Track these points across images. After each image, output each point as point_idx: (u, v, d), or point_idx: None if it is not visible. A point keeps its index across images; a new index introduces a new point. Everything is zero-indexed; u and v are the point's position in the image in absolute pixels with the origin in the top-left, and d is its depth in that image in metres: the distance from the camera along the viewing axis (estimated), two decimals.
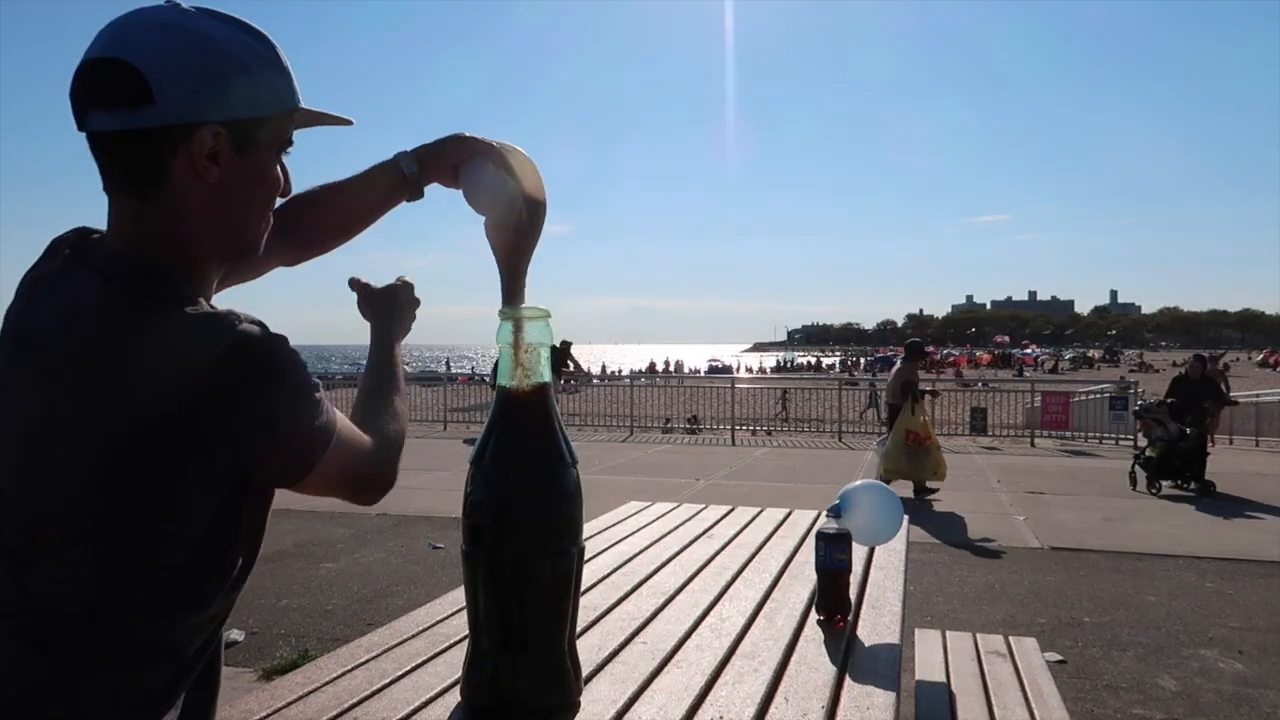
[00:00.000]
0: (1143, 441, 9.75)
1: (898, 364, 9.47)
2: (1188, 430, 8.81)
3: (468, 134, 1.20)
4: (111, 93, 0.86)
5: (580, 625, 1.35)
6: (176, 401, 0.82)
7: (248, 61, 0.91)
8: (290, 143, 0.99)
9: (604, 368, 41.50)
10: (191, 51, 0.87)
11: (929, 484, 8.44)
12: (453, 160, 1.18)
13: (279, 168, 0.99)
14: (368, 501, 1.03)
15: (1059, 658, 4.08)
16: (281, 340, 0.88)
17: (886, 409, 9.48)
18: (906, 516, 1.86)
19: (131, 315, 0.84)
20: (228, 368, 0.83)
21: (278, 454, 0.89)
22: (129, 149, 0.88)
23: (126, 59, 0.85)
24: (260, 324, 0.87)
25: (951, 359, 61.25)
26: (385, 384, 1.13)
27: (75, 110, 0.89)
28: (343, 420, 0.96)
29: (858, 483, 1.76)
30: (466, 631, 1.19)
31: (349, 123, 1.09)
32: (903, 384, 8.79)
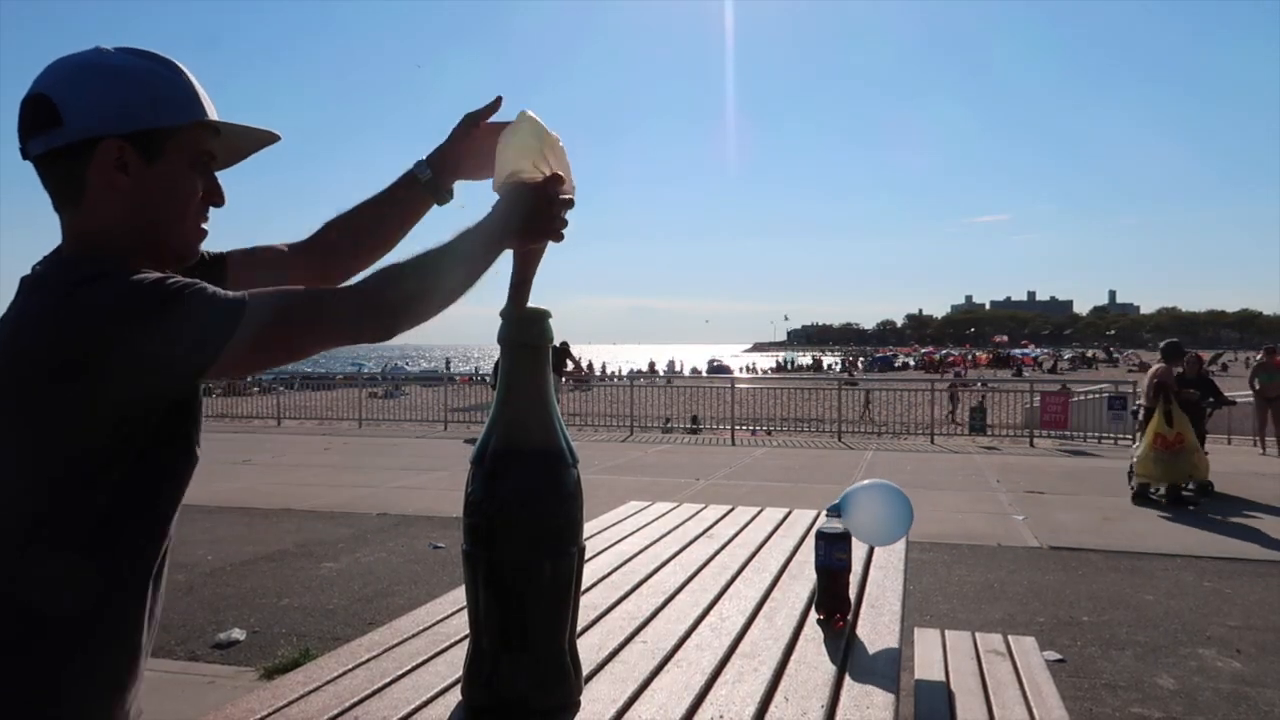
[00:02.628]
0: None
1: (1154, 365, 8.87)
2: None
3: (472, 111, 1.26)
4: (34, 122, 1.02)
5: (580, 625, 1.35)
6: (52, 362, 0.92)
7: (147, 81, 1.04)
8: (210, 155, 1.10)
9: (604, 367, 41.47)
10: (95, 79, 1.02)
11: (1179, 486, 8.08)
12: (461, 152, 1.25)
13: (202, 179, 1.09)
14: (368, 335, 1.03)
15: (1058, 657, 4.09)
16: (136, 280, 0.95)
17: (1143, 412, 8.82)
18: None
19: (43, 286, 0.98)
20: (101, 319, 0.92)
21: (168, 367, 0.95)
22: (53, 168, 1.03)
23: (43, 92, 1.02)
24: (122, 275, 0.95)
25: (951, 359, 61.22)
26: (444, 243, 1.09)
27: (20, 143, 1.04)
28: (271, 293, 1.00)
29: (864, 482, 1.75)
30: (467, 631, 1.19)
31: (276, 138, 1.16)
32: (1155, 386, 8.31)
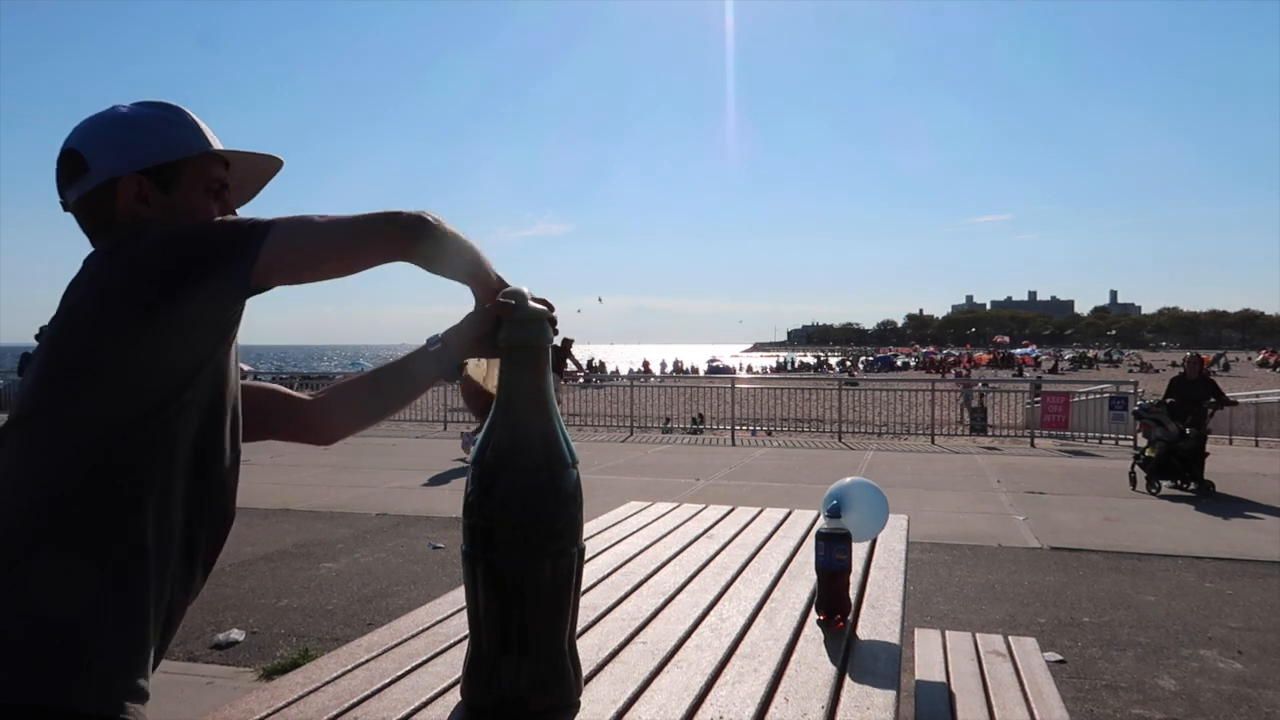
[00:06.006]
0: (1142, 442, 9.76)
1: None
2: (1187, 430, 8.82)
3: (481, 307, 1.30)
4: (68, 174, 1.18)
5: (580, 625, 1.35)
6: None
7: (156, 125, 1.19)
8: (222, 183, 1.23)
9: (603, 366, 41.47)
10: (112, 129, 1.19)
11: None
12: (471, 333, 1.30)
13: (217, 204, 1.22)
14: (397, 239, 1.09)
15: (1059, 657, 4.09)
16: (172, 225, 1.11)
17: None
18: (905, 517, 1.86)
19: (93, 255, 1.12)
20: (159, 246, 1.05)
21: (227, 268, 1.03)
22: (88, 210, 1.17)
23: (73, 147, 1.18)
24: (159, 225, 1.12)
25: (952, 359, 61.19)
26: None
27: (60, 195, 1.19)
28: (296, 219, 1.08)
29: (846, 480, 1.77)
30: (466, 631, 1.19)
31: (279, 162, 1.29)
32: None
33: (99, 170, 1.16)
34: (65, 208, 1.19)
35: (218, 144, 1.23)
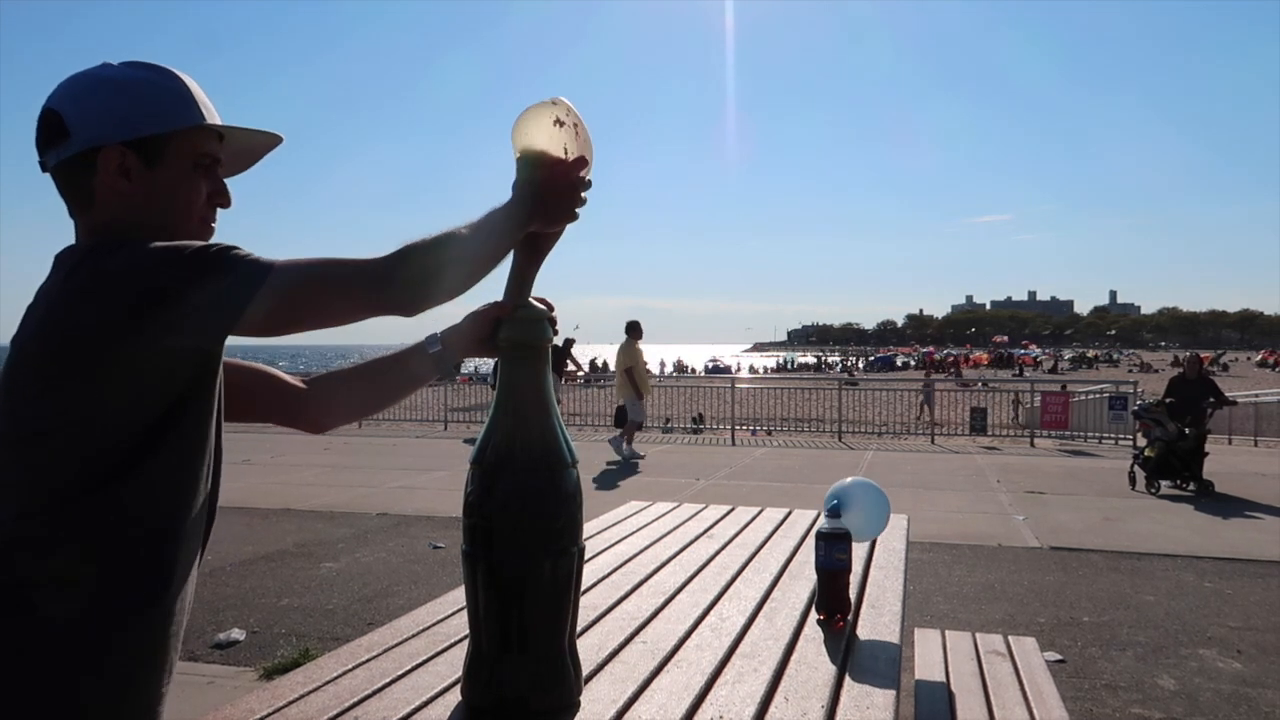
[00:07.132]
0: (1141, 442, 9.76)
1: None
2: (1186, 430, 8.82)
3: (479, 309, 1.29)
4: (47, 136, 1.09)
5: (580, 625, 1.35)
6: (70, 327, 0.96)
7: (144, 91, 1.09)
8: (213, 158, 1.14)
9: (605, 366, 41.51)
10: (97, 92, 1.08)
11: None
12: (470, 336, 1.28)
13: (206, 181, 1.13)
14: (386, 308, 1.04)
15: (1058, 657, 4.09)
16: (165, 244, 0.99)
17: None
18: (905, 516, 1.86)
19: (78, 266, 1.01)
20: (131, 279, 0.96)
21: (189, 319, 0.97)
22: (66, 178, 1.09)
23: (53, 108, 1.08)
24: (147, 242, 1.00)
25: (952, 359, 61.22)
26: (468, 223, 1.10)
27: (39, 157, 1.10)
28: (304, 260, 1.02)
29: (846, 480, 1.78)
30: (467, 631, 1.19)
31: (278, 139, 1.21)
32: None
33: (79, 137, 1.06)
34: (43, 169, 1.11)
35: (213, 115, 1.14)
